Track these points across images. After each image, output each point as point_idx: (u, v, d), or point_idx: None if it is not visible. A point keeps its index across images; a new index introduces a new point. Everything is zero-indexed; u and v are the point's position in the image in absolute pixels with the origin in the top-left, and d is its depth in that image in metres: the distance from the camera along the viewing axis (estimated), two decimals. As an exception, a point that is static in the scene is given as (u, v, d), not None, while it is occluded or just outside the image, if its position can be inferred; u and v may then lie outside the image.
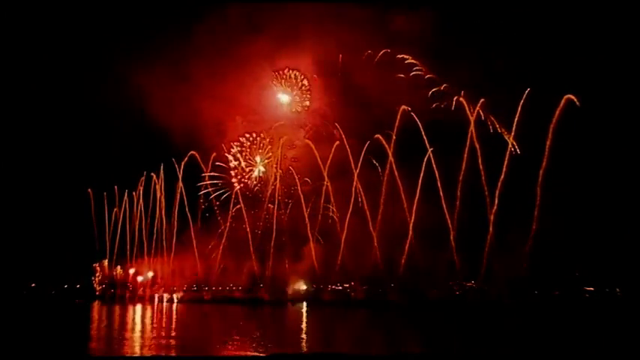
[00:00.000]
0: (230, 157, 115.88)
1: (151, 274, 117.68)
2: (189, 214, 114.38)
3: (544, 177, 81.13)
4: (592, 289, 79.84)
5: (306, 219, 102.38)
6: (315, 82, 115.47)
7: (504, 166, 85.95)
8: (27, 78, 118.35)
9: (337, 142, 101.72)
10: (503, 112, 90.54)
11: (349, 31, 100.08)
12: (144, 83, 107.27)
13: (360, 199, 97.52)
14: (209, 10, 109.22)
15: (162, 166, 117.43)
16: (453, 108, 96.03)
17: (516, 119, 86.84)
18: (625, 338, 48.34)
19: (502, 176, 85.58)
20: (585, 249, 72.63)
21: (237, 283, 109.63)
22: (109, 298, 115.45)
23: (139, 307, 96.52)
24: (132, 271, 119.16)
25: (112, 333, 51.88)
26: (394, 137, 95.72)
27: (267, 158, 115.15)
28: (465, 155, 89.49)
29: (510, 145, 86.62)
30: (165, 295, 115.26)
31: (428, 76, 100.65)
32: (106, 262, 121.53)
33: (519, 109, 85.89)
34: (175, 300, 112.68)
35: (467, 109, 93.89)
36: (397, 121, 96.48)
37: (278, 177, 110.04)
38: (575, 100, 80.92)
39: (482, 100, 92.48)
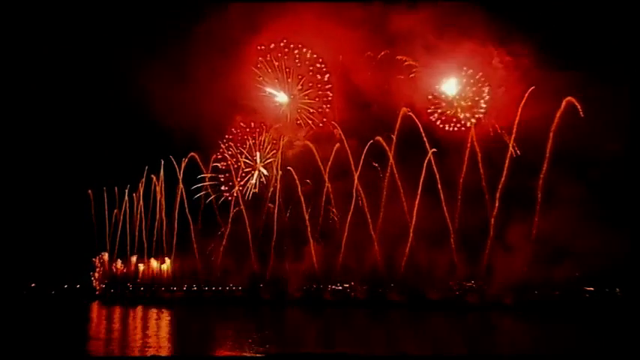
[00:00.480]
0: (229, 158, 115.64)
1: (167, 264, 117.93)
2: (189, 216, 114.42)
3: (544, 177, 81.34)
4: (592, 289, 79.76)
5: (307, 220, 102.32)
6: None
7: (505, 168, 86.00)
8: (27, 78, 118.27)
9: (338, 145, 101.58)
10: (503, 112, 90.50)
11: (350, 31, 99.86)
12: (143, 83, 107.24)
13: (360, 201, 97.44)
14: (210, 11, 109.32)
15: (162, 167, 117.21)
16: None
17: (516, 120, 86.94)
18: (625, 338, 48.41)
19: (503, 178, 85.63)
20: (585, 249, 72.46)
21: (237, 283, 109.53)
22: (110, 299, 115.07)
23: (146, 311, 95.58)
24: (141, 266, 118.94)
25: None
26: (395, 139, 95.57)
27: (267, 159, 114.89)
28: (466, 157, 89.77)
29: (511, 147, 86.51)
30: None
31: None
32: (106, 256, 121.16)
33: (520, 109, 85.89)
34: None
35: (467, 112, 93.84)
36: (398, 123, 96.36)
37: (278, 178, 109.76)
38: (576, 102, 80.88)
39: (482, 102, 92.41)
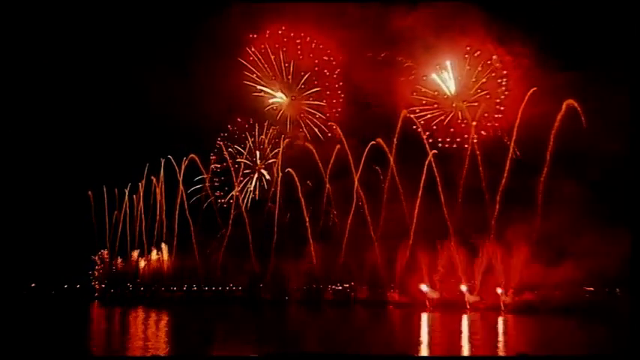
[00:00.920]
0: (228, 159, 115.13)
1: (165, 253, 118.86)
2: (189, 217, 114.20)
3: (545, 179, 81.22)
4: (592, 289, 79.69)
5: (307, 221, 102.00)
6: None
7: (506, 170, 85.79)
8: (28, 80, 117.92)
9: (338, 146, 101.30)
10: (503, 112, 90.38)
11: (350, 31, 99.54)
12: (144, 84, 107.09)
13: (360, 203, 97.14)
14: (210, 13, 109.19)
15: (162, 168, 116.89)
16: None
17: (517, 122, 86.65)
18: (625, 338, 48.30)
19: (504, 180, 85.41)
20: (584, 249, 72.47)
21: (238, 283, 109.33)
22: (110, 299, 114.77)
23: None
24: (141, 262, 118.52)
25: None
26: (395, 142, 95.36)
27: (267, 160, 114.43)
28: (467, 159, 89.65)
29: (511, 149, 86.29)
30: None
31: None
32: (105, 254, 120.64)
33: (520, 111, 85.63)
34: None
35: (467, 113, 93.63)
36: (398, 126, 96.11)
37: (279, 180, 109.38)
38: (576, 105, 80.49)
39: (482, 105, 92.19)
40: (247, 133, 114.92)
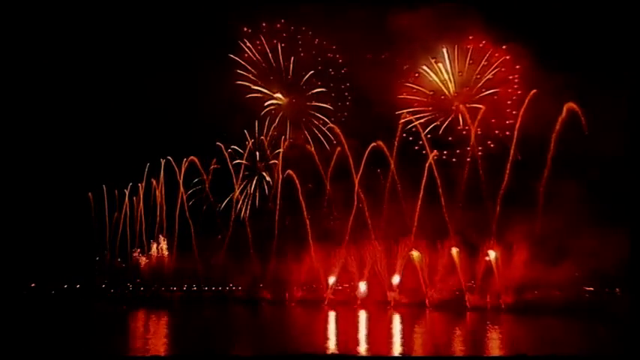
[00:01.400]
0: (228, 161, 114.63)
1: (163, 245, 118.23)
2: (189, 219, 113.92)
3: (545, 181, 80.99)
4: (592, 289, 79.56)
5: (307, 221, 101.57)
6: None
7: (507, 172, 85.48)
8: (29, 81, 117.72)
9: (339, 149, 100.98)
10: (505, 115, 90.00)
11: (350, 31, 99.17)
12: (144, 86, 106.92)
13: (360, 205, 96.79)
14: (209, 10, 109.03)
15: (162, 169, 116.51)
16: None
17: (518, 124, 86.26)
18: (625, 338, 48.16)
19: (504, 182, 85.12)
20: (584, 249, 72.36)
21: (238, 283, 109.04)
22: (110, 298, 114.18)
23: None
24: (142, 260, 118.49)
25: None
26: (396, 144, 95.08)
27: (268, 161, 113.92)
28: (467, 161, 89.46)
29: (512, 151, 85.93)
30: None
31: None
32: (105, 254, 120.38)
33: (521, 112, 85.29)
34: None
35: (467, 116, 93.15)
36: (399, 129, 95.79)
37: (279, 183, 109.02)
38: (577, 108, 79.91)
39: (482, 108, 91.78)
40: (247, 134, 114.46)
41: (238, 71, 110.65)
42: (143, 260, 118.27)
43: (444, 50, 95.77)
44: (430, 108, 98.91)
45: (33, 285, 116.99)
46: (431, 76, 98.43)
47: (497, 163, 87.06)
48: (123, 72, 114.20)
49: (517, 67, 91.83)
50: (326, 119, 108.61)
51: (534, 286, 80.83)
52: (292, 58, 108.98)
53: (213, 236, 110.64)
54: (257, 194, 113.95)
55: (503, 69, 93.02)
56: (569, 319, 67.98)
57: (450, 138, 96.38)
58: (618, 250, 69.69)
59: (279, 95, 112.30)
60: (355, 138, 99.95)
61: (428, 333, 58.88)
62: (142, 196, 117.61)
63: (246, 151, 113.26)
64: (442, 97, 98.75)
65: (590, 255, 71.52)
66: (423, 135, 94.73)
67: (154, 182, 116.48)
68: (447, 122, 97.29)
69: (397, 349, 42.69)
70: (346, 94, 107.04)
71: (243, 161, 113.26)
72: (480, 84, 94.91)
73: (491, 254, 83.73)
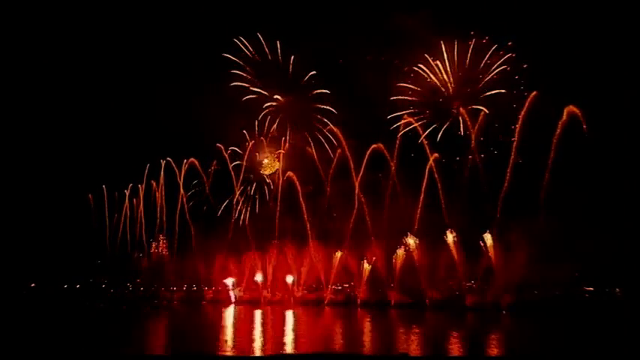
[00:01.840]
0: (229, 163, 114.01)
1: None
2: (189, 220, 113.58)
3: (546, 180, 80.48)
4: (592, 289, 79.09)
5: (307, 222, 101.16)
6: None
7: (508, 174, 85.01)
8: (30, 83, 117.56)
9: (339, 151, 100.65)
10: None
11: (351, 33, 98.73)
12: (145, 88, 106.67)
13: (361, 207, 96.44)
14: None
15: (162, 171, 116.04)
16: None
17: (518, 127, 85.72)
18: (625, 338, 47.80)
19: (506, 184, 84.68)
20: (585, 249, 71.94)
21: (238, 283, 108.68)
22: (110, 298, 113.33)
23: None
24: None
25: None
26: (397, 147, 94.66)
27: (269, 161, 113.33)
28: (469, 163, 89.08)
29: (513, 153, 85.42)
30: None
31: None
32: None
33: (522, 114, 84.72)
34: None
35: (467, 120, 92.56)
36: (400, 132, 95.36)
37: (280, 183, 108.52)
38: (578, 112, 79.12)
39: (483, 112, 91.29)
40: (247, 135, 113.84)
41: (236, 72, 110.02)
42: (144, 261, 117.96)
43: (443, 48, 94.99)
44: (427, 112, 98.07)
45: (33, 285, 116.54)
46: (429, 76, 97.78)
47: (497, 164, 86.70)
48: (123, 74, 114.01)
49: (524, 66, 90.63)
50: (326, 120, 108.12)
51: (534, 286, 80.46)
52: (292, 57, 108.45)
53: (214, 235, 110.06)
54: (257, 195, 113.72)
55: (508, 68, 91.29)
56: (568, 319, 67.78)
57: (449, 142, 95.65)
58: (618, 250, 69.57)
59: (278, 97, 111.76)
60: (355, 139, 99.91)
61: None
62: (142, 198, 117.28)
63: (247, 152, 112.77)
64: (440, 99, 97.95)
65: (590, 255, 71.28)
66: (423, 137, 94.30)
67: (154, 184, 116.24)
68: (446, 125, 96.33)
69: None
70: (346, 95, 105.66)
71: (243, 162, 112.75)
72: (481, 84, 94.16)
73: (487, 239, 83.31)
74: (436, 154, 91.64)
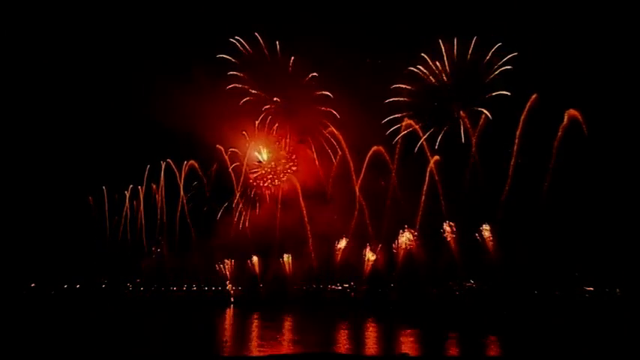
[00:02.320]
0: (229, 165, 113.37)
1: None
2: (189, 221, 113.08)
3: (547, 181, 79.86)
4: (592, 289, 78.69)
5: (306, 223, 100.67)
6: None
7: (509, 176, 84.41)
8: (31, 85, 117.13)
9: (340, 154, 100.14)
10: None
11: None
12: (146, 90, 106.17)
13: (362, 211, 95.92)
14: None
15: (162, 173, 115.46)
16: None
17: (519, 131, 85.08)
18: (625, 338, 47.41)
19: (507, 187, 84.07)
20: (585, 249, 71.60)
21: (238, 282, 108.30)
22: (110, 298, 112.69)
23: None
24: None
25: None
26: (397, 149, 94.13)
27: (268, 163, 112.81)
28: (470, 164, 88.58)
29: (514, 154, 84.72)
30: None
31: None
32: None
33: (523, 116, 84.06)
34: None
35: (467, 124, 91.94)
36: (400, 134, 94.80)
37: (281, 185, 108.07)
38: (579, 115, 78.27)
39: (483, 114, 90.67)
40: (247, 137, 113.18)
41: (235, 73, 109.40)
42: (144, 261, 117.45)
43: (442, 49, 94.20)
44: (427, 114, 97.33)
45: (33, 285, 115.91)
46: (428, 77, 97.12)
47: (497, 164, 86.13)
48: (123, 75, 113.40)
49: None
50: (327, 123, 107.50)
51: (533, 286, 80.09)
52: (292, 58, 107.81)
53: (215, 235, 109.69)
54: (258, 197, 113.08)
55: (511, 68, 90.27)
56: (568, 319, 67.30)
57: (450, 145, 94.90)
58: (618, 250, 69.24)
59: (277, 99, 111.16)
60: (356, 141, 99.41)
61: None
62: (142, 199, 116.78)
63: (247, 153, 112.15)
64: (437, 102, 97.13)
65: (590, 255, 70.98)
66: (423, 139, 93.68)
67: (154, 187, 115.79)
68: (445, 129, 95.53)
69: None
70: (346, 96, 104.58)
71: (244, 163, 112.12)
72: (482, 85, 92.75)
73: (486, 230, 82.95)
74: (437, 157, 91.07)
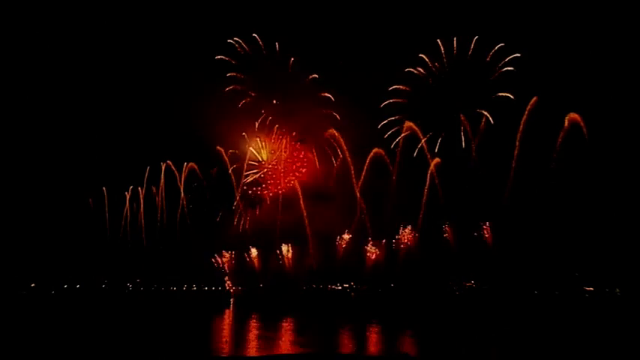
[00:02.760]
0: (229, 166, 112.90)
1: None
2: (189, 223, 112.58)
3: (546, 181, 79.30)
4: (592, 289, 78.30)
5: (307, 223, 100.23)
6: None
7: (510, 177, 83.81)
8: (32, 86, 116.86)
9: (340, 157, 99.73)
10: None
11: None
12: (146, 91, 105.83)
13: (363, 215, 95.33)
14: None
15: (162, 174, 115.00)
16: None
17: (519, 134, 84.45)
18: (625, 338, 47.02)
19: (508, 187, 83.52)
20: (585, 249, 71.22)
21: (239, 282, 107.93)
22: (110, 298, 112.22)
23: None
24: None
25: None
26: (398, 151, 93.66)
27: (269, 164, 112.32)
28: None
29: (515, 154, 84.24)
30: None
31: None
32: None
33: (523, 121, 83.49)
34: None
35: (467, 127, 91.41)
36: (401, 137, 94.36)
37: (282, 186, 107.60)
38: (580, 119, 77.55)
39: (484, 117, 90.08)
40: (247, 138, 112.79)
41: (233, 74, 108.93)
42: (144, 261, 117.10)
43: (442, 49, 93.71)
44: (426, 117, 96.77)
45: (33, 285, 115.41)
46: (428, 79, 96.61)
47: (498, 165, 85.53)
48: (123, 77, 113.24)
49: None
50: (327, 124, 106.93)
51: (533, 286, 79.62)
52: (292, 59, 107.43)
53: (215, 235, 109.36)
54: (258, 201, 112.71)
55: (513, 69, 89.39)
56: (568, 319, 66.81)
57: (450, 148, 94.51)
58: (618, 250, 68.88)
59: (276, 101, 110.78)
60: (357, 144, 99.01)
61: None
62: (142, 200, 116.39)
63: (247, 155, 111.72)
64: (435, 106, 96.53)
65: (590, 255, 70.63)
66: (423, 142, 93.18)
67: (154, 189, 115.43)
68: (444, 133, 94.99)
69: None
70: (346, 97, 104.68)
71: (245, 164, 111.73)
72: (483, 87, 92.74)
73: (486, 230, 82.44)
74: (437, 159, 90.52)
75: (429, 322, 66.62)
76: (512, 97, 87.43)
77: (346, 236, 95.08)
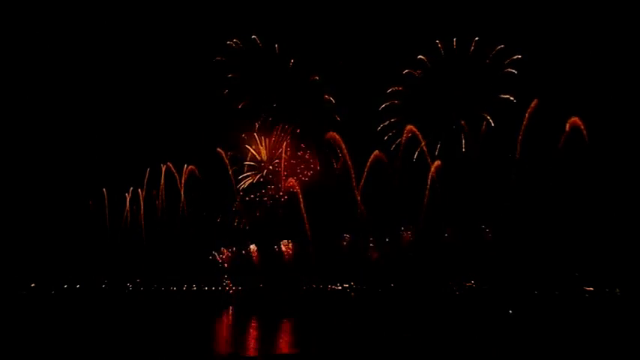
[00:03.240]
0: (228, 166, 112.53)
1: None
2: (189, 223, 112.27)
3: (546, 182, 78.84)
4: (592, 289, 77.94)
5: (307, 224, 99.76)
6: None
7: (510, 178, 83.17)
8: (31, 87, 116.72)
9: (341, 158, 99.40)
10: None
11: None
12: (146, 92, 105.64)
13: (363, 215, 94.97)
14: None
15: (162, 177, 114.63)
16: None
17: (520, 137, 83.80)
18: (625, 338, 46.64)
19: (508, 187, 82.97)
20: (585, 249, 70.93)
21: (239, 283, 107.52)
22: (110, 298, 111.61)
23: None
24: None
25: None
26: (399, 153, 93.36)
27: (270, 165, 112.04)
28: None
29: (515, 154, 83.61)
30: None
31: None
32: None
33: (524, 124, 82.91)
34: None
35: (466, 129, 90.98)
36: (402, 139, 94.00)
37: (282, 186, 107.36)
38: (580, 123, 76.50)
39: (485, 119, 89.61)
40: (247, 140, 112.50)
41: (233, 75, 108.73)
42: (144, 261, 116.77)
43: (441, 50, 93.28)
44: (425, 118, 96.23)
45: (33, 285, 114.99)
46: (427, 79, 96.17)
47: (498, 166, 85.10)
48: (123, 78, 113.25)
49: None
50: (327, 126, 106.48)
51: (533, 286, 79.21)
52: (292, 60, 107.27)
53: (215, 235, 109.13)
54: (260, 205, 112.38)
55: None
56: (568, 319, 66.41)
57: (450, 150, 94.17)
58: (618, 250, 68.57)
59: (275, 104, 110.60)
60: (357, 146, 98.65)
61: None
62: (142, 201, 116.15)
63: (247, 157, 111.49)
64: (435, 108, 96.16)
65: (590, 255, 70.34)
66: (423, 144, 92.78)
67: (154, 192, 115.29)
68: (444, 137, 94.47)
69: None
70: (346, 98, 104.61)
71: (244, 167, 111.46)
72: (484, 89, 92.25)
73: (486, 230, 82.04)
74: (438, 162, 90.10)
75: (428, 322, 66.32)
76: (513, 99, 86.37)
77: (344, 240, 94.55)
